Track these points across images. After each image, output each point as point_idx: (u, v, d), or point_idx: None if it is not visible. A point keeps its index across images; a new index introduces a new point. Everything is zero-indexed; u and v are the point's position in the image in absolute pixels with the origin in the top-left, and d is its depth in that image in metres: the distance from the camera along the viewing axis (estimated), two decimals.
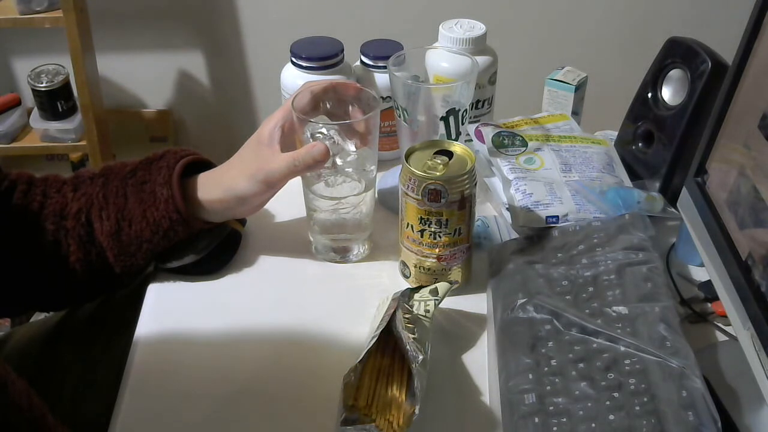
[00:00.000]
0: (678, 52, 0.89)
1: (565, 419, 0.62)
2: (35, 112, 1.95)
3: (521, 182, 0.86)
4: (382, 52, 0.95)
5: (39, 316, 1.61)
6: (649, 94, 0.92)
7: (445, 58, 0.90)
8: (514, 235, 0.87)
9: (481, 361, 0.73)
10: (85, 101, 1.85)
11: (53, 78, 1.89)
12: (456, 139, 0.85)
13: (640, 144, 0.93)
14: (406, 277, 0.81)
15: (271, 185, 0.79)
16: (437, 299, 0.73)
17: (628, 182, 0.90)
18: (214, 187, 0.79)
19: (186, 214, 0.77)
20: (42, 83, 1.88)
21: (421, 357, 0.64)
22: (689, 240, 0.77)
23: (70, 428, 0.82)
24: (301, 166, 0.77)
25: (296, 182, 0.83)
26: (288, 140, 0.80)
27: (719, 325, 0.76)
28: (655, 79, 0.91)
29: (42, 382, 0.84)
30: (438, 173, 0.73)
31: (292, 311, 0.79)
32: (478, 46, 0.92)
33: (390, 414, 0.65)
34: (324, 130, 0.78)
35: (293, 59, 0.96)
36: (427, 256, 0.77)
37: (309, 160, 0.76)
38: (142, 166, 0.80)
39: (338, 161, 0.79)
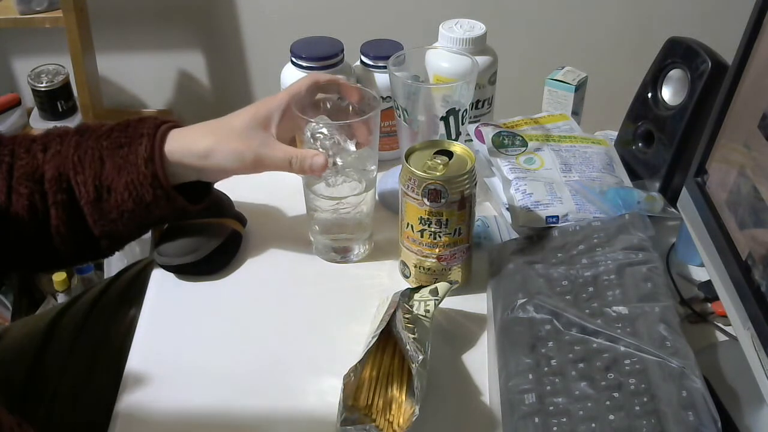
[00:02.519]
0: (678, 52, 0.89)
1: (565, 419, 0.62)
2: (35, 112, 1.95)
3: (521, 182, 0.86)
4: (382, 52, 0.95)
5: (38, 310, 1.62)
6: (649, 94, 0.92)
7: (445, 58, 0.90)
8: (514, 235, 0.87)
9: (481, 361, 0.73)
10: (85, 101, 1.85)
11: (53, 78, 1.90)
12: (456, 139, 0.85)
13: (640, 144, 0.93)
14: (406, 277, 0.81)
15: (258, 169, 0.77)
16: (437, 299, 0.73)
17: (628, 182, 0.90)
18: (189, 153, 0.76)
19: (169, 191, 0.75)
20: (42, 83, 1.88)
21: (421, 357, 0.64)
22: (689, 240, 0.77)
23: (69, 425, 0.82)
24: (296, 169, 0.77)
25: (297, 182, 0.83)
26: (285, 126, 0.79)
27: (719, 325, 0.76)
28: (655, 79, 0.91)
29: (39, 379, 0.84)
30: (438, 173, 0.73)
31: (292, 311, 0.79)
32: (478, 46, 0.92)
33: (390, 414, 0.65)
34: (324, 130, 0.78)
35: (293, 59, 0.96)
36: (427, 256, 0.77)
37: (306, 167, 0.76)
38: (118, 128, 0.77)
39: (338, 161, 0.79)
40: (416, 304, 0.72)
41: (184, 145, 0.76)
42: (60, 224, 0.75)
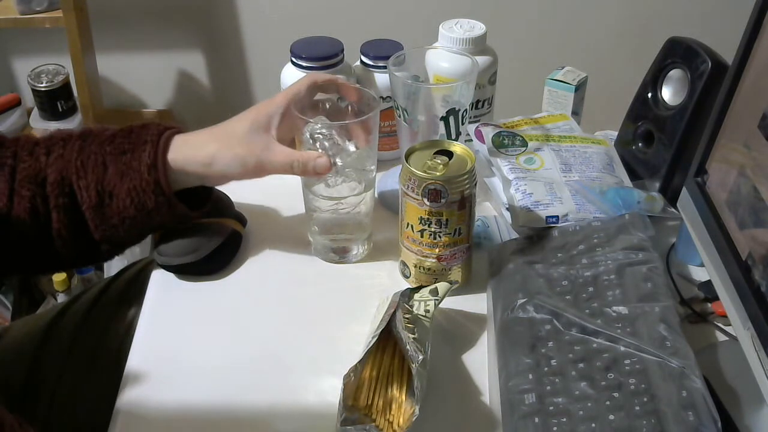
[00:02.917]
0: (678, 52, 0.89)
1: (565, 419, 0.62)
2: (35, 112, 1.95)
3: (521, 182, 0.86)
4: (382, 52, 0.95)
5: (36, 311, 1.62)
6: (649, 94, 0.92)
7: (445, 58, 0.90)
8: (514, 235, 0.87)
9: (481, 361, 0.73)
10: (85, 101, 1.85)
11: (53, 78, 1.90)
12: (456, 139, 0.85)
13: (640, 144, 0.93)
14: (406, 277, 0.81)
15: (260, 173, 0.78)
16: (437, 299, 0.73)
17: (628, 182, 0.90)
18: (192, 161, 0.77)
19: (171, 198, 0.76)
20: (42, 83, 1.89)
21: (421, 357, 0.64)
22: (689, 240, 0.77)
23: (69, 425, 0.83)
24: (298, 171, 0.77)
25: (296, 182, 0.83)
26: (285, 128, 0.79)
27: (719, 325, 0.76)
28: (655, 79, 0.91)
29: (39, 379, 0.84)
30: (438, 173, 0.73)
31: (292, 311, 0.79)
32: (478, 46, 0.92)
33: (390, 414, 0.65)
34: (323, 131, 0.78)
35: (293, 59, 0.96)
36: (427, 256, 0.77)
37: (309, 169, 0.76)
38: (121, 134, 0.77)
39: (338, 162, 0.79)
40: (416, 304, 0.72)
41: (188, 152, 0.77)
42: (61, 228, 0.75)
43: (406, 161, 0.74)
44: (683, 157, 0.87)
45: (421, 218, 0.75)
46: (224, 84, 2.15)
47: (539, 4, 1.99)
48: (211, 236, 0.82)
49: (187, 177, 0.77)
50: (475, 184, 0.75)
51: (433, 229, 0.75)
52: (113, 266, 1.61)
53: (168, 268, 0.83)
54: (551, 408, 0.63)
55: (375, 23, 1.83)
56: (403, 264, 0.80)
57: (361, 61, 0.99)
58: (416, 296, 0.73)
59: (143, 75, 2.12)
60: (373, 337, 0.66)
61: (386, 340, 0.69)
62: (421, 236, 0.76)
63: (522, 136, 0.92)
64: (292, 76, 0.95)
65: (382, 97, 0.95)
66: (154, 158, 0.75)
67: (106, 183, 0.75)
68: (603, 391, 0.63)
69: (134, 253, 1.51)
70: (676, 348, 0.65)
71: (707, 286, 0.79)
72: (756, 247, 0.63)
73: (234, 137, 0.78)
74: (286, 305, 0.80)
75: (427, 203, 0.73)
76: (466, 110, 0.84)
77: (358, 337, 0.71)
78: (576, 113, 1.02)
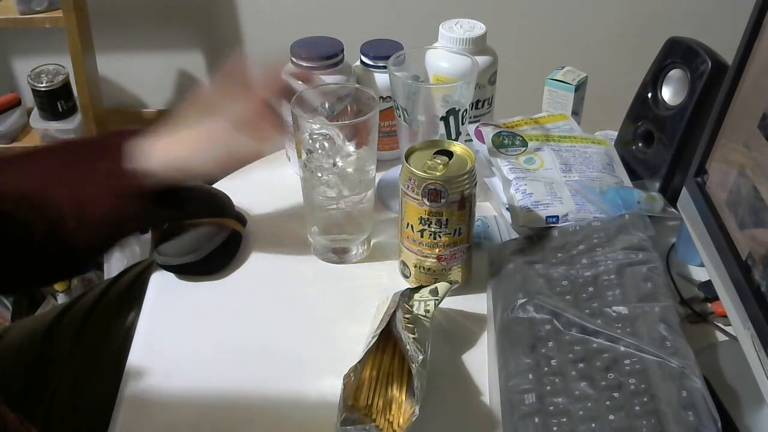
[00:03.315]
0: (678, 52, 0.89)
1: (565, 419, 0.62)
2: (35, 112, 1.95)
3: (521, 182, 0.86)
4: (382, 52, 0.95)
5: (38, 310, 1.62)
6: (649, 94, 0.92)
7: (445, 58, 0.90)
8: (514, 235, 0.87)
9: (481, 361, 0.73)
10: (85, 101, 1.86)
11: (53, 78, 1.90)
12: (456, 139, 0.85)
13: (640, 144, 0.93)
14: (406, 277, 0.81)
15: (232, 163, 0.79)
16: (437, 299, 0.73)
17: (628, 182, 0.90)
18: (168, 166, 0.75)
19: (146, 201, 0.74)
20: (42, 83, 1.89)
21: (421, 357, 0.64)
22: (689, 240, 0.77)
23: (69, 426, 0.83)
24: (254, 134, 0.74)
25: (296, 182, 0.83)
26: (229, 100, 0.76)
27: (719, 325, 0.76)
28: (655, 79, 0.91)
29: (39, 379, 0.85)
30: (438, 173, 0.73)
31: (292, 311, 0.79)
32: (478, 46, 0.91)
33: (390, 414, 0.65)
34: (323, 131, 0.78)
35: (293, 59, 0.96)
36: (427, 256, 0.77)
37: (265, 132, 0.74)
38: (92, 142, 0.78)
39: (338, 162, 0.79)
40: (416, 304, 0.72)
41: (163, 157, 0.75)
42: (41, 240, 0.73)
43: (406, 161, 0.74)
44: (683, 157, 0.87)
45: (421, 218, 0.75)
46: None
47: (539, 4, 1.99)
48: (211, 236, 0.82)
49: (159, 179, 0.75)
50: (475, 184, 0.75)
51: (433, 229, 0.75)
52: (113, 267, 1.62)
53: (168, 268, 0.83)
54: (551, 408, 0.63)
55: (375, 23, 1.83)
56: (403, 264, 0.80)
57: (361, 61, 0.99)
58: (416, 296, 0.73)
59: (143, 75, 2.12)
60: (373, 337, 0.66)
61: (386, 340, 0.69)
62: (421, 236, 0.76)
63: (522, 136, 0.92)
64: None
65: (382, 97, 0.95)
66: (125, 163, 0.73)
67: (81, 192, 0.74)
68: (603, 391, 0.63)
69: (134, 254, 1.51)
70: (676, 348, 0.65)
71: (707, 286, 0.79)
72: (756, 247, 0.63)
73: (200, 134, 0.75)
74: (286, 305, 0.80)
75: (427, 203, 0.73)
76: (466, 110, 0.84)
77: (358, 337, 0.71)
78: (576, 113, 1.02)
